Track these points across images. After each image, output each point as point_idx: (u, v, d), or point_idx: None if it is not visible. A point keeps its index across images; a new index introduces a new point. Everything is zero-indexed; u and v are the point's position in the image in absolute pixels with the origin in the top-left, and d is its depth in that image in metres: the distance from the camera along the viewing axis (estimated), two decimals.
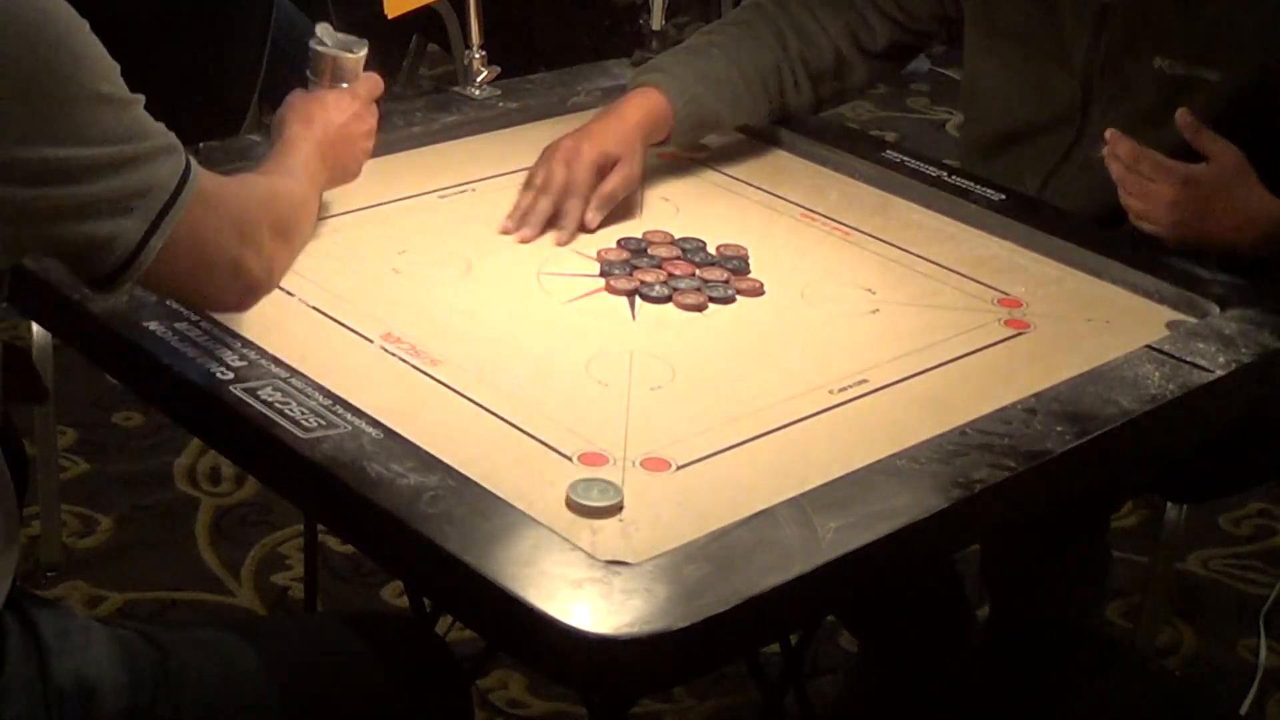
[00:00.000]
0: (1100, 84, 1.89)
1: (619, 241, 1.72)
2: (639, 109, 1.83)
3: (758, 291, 1.65)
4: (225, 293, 1.37)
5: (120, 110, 1.23)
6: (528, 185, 1.76)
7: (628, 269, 1.67)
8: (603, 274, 1.66)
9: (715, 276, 1.66)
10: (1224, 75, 1.82)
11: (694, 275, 1.66)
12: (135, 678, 1.29)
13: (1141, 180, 1.72)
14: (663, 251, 1.71)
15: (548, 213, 1.73)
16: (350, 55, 1.65)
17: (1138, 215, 1.74)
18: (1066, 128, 1.92)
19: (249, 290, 1.38)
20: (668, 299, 1.62)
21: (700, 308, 1.62)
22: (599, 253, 1.70)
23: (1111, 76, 1.88)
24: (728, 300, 1.63)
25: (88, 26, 1.21)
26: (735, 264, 1.70)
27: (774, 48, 1.93)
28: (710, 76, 1.88)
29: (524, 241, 1.71)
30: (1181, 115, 1.72)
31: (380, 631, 1.47)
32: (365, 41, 1.67)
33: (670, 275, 1.66)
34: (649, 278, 1.65)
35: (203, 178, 1.30)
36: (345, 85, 1.66)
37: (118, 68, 1.24)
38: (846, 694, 2.21)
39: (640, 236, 1.73)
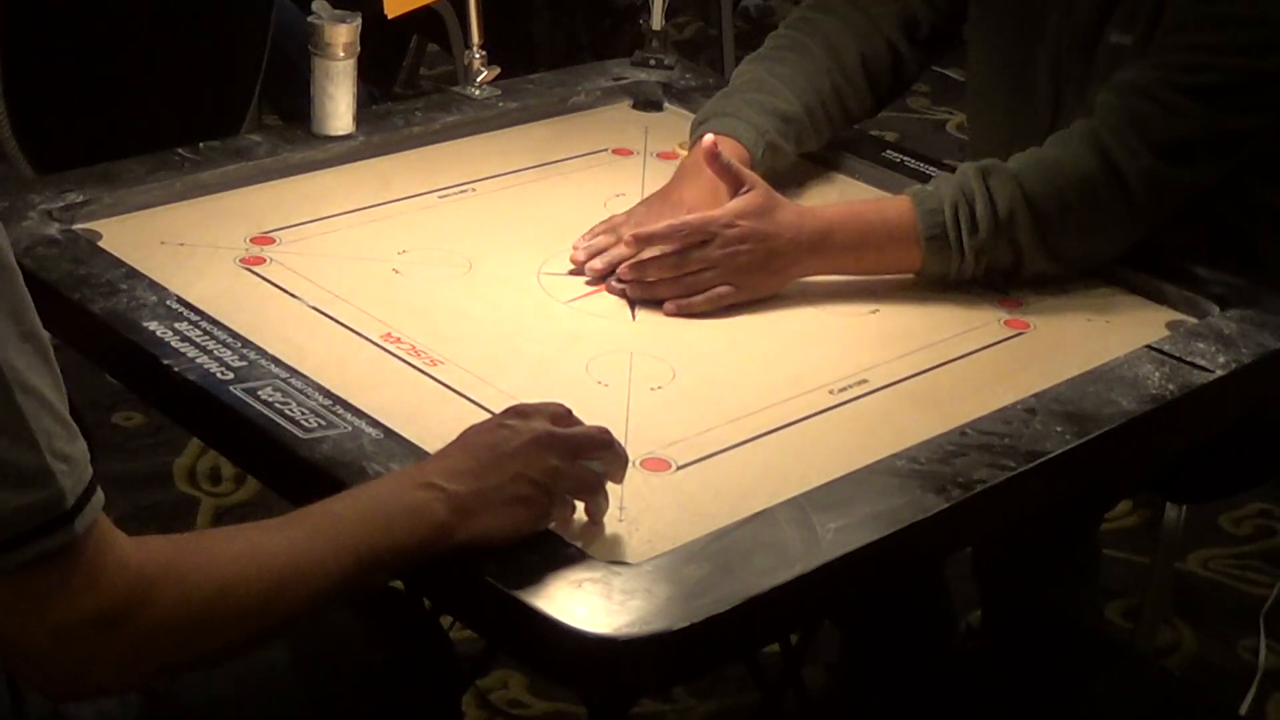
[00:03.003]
0: (1068, 65, 1.81)
1: None
2: None
3: None
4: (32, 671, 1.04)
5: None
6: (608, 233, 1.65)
7: None
8: None
9: None
10: (1134, 40, 1.73)
11: None
12: (120, 707, 1.25)
13: (687, 255, 1.58)
14: None
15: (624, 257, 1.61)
16: (344, 25, 1.81)
17: (700, 300, 1.58)
18: (1045, 109, 1.87)
19: (50, 680, 1.04)
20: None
21: None
22: None
23: (1078, 56, 1.80)
24: None
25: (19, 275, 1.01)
26: None
27: (831, 69, 1.85)
28: (777, 113, 1.79)
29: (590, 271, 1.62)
30: (709, 149, 1.62)
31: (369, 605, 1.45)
32: (358, 14, 1.83)
33: None
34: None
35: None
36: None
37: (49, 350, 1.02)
38: (830, 688, 2.20)
39: None
